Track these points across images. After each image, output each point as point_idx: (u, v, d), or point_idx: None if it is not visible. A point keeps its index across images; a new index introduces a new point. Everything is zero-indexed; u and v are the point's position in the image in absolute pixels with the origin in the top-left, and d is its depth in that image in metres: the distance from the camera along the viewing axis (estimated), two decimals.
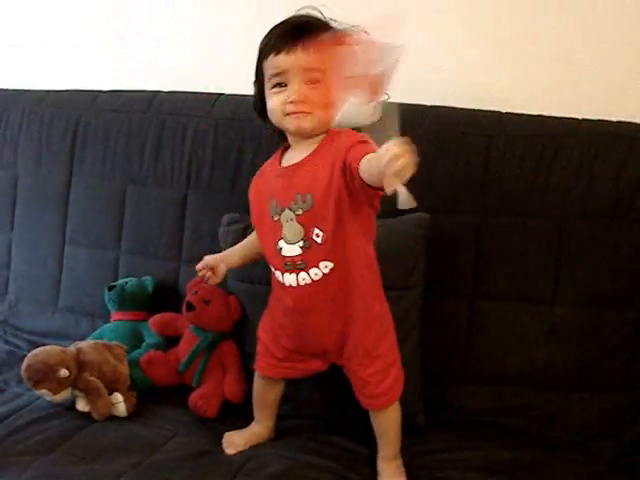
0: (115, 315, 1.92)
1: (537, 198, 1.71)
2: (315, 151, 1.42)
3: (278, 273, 1.47)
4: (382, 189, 1.15)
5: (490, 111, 1.80)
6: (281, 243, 1.44)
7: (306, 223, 1.41)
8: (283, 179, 1.46)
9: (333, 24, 1.43)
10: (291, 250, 1.43)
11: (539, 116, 1.77)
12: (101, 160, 2.05)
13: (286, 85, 1.39)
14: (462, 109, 1.81)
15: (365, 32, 1.33)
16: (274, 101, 1.42)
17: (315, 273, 1.43)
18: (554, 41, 1.85)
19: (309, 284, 1.44)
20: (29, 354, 1.66)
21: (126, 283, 1.92)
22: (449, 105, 1.82)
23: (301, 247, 1.42)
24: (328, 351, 1.53)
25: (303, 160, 1.43)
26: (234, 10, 2.12)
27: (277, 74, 1.40)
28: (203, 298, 1.75)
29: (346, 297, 1.45)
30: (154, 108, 2.02)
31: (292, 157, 1.47)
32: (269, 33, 1.43)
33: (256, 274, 1.69)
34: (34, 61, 2.41)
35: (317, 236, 1.40)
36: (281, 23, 1.43)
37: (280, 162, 1.50)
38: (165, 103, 2.03)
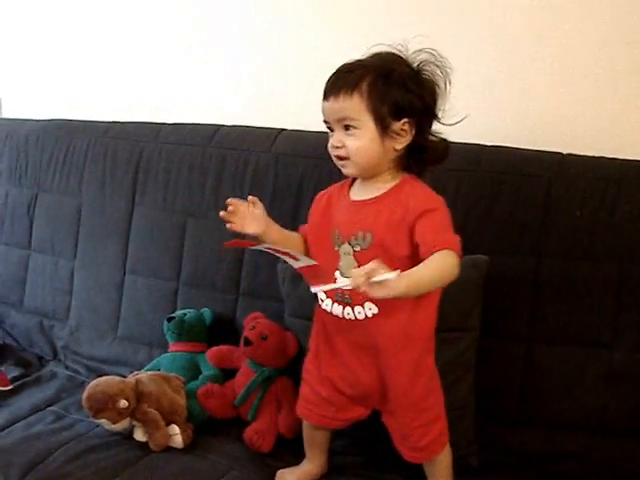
0: (173, 346, 1.95)
1: (598, 241, 1.68)
2: (386, 193, 1.44)
3: (329, 301, 1.48)
4: None
5: (551, 152, 1.78)
6: (337, 274, 1.46)
7: (361, 261, 1.41)
8: (349, 212, 1.47)
9: (418, 57, 1.42)
10: (342, 282, 1.42)
11: (601, 157, 1.75)
12: (162, 192, 2.09)
13: (334, 130, 1.43)
14: (522, 149, 1.79)
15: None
16: (328, 144, 1.45)
17: (359, 312, 1.44)
18: (616, 81, 1.82)
19: (352, 320, 1.45)
20: (90, 384, 1.70)
21: (185, 315, 1.95)
22: (509, 145, 1.81)
23: None
24: (369, 393, 1.52)
25: (372, 199, 1.44)
26: (296, 46, 2.14)
27: (325, 120, 1.44)
28: (261, 333, 1.77)
29: (391, 346, 1.45)
30: (216, 142, 2.06)
31: (362, 191, 1.47)
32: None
33: (312, 311, 1.68)
34: (100, 93, 2.47)
35: None
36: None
37: (349, 192, 1.50)
38: (227, 137, 2.06)
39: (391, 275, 1.21)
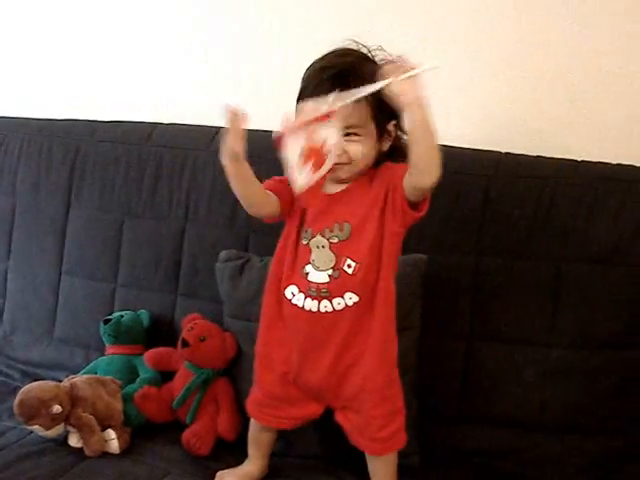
0: (110, 348, 1.91)
1: (535, 240, 1.70)
2: (357, 181, 1.43)
3: (301, 296, 1.45)
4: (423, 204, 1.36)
5: (489, 151, 1.79)
6: (308, 268, 1.44)
7: (339, 252, 1.41)
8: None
9: (379, 55, 1.42)
10: (319, 277, 1.42)
11: (539, 157, 1.77)
12: (99, 191, 2.05)
13: None
14: (460, 148, 1.80)
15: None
16: None
17: (338, 302, 1.42)
18: (554, 82, 1.84)
19: (330, 312, 1.43)
20: (22, 389, 1.65)
21: (122, 317, 1.91)
22: (447, 144, 1.81)
23: (329, 275, 1.41)
24: (324, 387, 1.50)
25: (345, 189, 1.43)
26: (234, 42, 2.12)
27: None
28: (199, 335, 1.74)
29: (364, 331, 1.44)
30: (153, 140, 2.02)
31: (327, 183, 1.43)
32: (309, 74, 1.42)
33: (252, 312, 1.67)
34: (34, 90, 2.41)
35: (349, 267, 1.40)
36: (322, 66, 1.40)
37: None
38: (164, 135, 2.03)
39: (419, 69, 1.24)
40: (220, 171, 1.88)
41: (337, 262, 1.41)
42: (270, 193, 1.46)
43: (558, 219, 1.70)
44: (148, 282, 1.98)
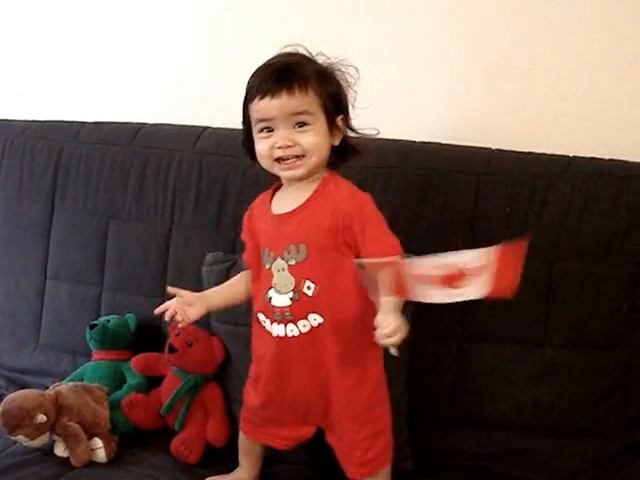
0: (97, 354, 1.88)
1: (527, 237, 1.67)
2: (310, 199, 1.40)
3: (268, 322, 1.43)
4: None
5: (480, 148, 1.77)
6: (271, 292, 1.41)
7: (297, 274, 1.38)
8: (275, 227, 1.43)
9: (320, 59, 1.42)
10: (280, 300, 1.40)
11: (530, 153, 1.74)
12: (83, 193, 2.00)
13: (273, 130, 1.37)
14: (450, 145, 1.78)
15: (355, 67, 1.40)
16: (262, 146, 1.39)
17: (304, 325, 1.39)
18: (545, 78, 1.82)
19: (297, 336, 1.40)
20: (5, 398, 1.62)
21: (108, 321, 1.87)
22: (437, 142, 1.79)
23: (290, 298, 1.39)
24: (311, 408, 1.48)
25: (298, 208, 1.40)
26: (220, 43, 2.10)
27: (263, 119, 1.37)
28: (186, 340, 1.71)
29: (337, 352, 1.41)
30: (138, 141, 1.98)
31: (284, 202, 1.44)
32: (254, 75, 1.40)
33: (239, 315, 1.65)
34: (16, 91, 2.38)
35: (308, 288, 1.37)
36: (266, 65, 1.40)
37: (270, 205, 1.46)
38: (149, 136, 1.99)
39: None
40: (205, 170, 1.88)
41: (297, 284, 1.38)
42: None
43: (550, 216, 1.67)
44: (135, 286, 1.94)
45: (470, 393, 1.71)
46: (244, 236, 1.54)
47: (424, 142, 1.79)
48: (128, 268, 1.96)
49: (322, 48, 1.42)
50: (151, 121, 2.04)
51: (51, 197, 2.04)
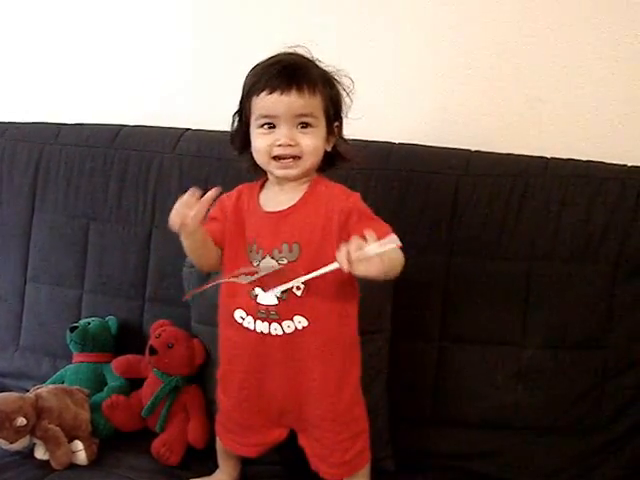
0: (77, 357, 1.87)
1: (506, 239, 1.68)
2: (303, 198, 1.40)
3: (250, 319, 1.42)
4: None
5: (459, 149, 1.78)
6: (258, 290, 1.40)
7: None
8: (266, 225, 1.41)
9: (319, 65, 1.42)
10: (267, 299, 1.39)
11: (509, 154, 1.75)
12: (63, 195, 2.00)
13: (274, 126, 1.36)
14: (430, 147, 1.79)
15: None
16: (261, 142, 1.37)
17: (288, 325, 1.39)
18: (524, 79, 1.83)
19: (280, 335, 1.40)
20: None
21: (88, 324, 1.87)
22: (417, 143, 1.80)
23: (278, 298, 1.38)
24: (286, 409, 1.47)
25: (291, 207, 1.40)
26: (202, 45, 2.10)
27: (267, 115, 1.36)
28: (166, 342, 1.71)
29: (318, 355, 1.41)
30: (118, 143, 1.98)
31: (275, 201, 1.42)
32: (260, 70, 1.39)
33: (219, 317, 1.64)
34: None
35: (297, 289, 1.37)
36: (273, 61, 1.38)
37: (258, 199, 1.45)
38: (129, 138, 1.99)
39: (372, 251, 1.20)
40: (186, 172, 1.88)
41: None
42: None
43: (528, 217, 1.68)
44: (115, 288, 1.94)
45: (450, 393, 1.72)
46: (217, 214, 1.47)
47: (404, 143, 1.80)
48: (109, 270, 1.95)
49: (303, 50, 1.42)
50: (131, 123, 2.04)
51: (31, 199, 2.04)
